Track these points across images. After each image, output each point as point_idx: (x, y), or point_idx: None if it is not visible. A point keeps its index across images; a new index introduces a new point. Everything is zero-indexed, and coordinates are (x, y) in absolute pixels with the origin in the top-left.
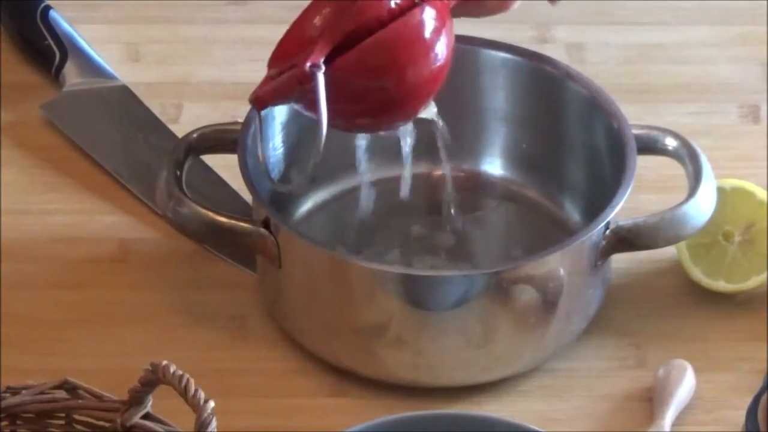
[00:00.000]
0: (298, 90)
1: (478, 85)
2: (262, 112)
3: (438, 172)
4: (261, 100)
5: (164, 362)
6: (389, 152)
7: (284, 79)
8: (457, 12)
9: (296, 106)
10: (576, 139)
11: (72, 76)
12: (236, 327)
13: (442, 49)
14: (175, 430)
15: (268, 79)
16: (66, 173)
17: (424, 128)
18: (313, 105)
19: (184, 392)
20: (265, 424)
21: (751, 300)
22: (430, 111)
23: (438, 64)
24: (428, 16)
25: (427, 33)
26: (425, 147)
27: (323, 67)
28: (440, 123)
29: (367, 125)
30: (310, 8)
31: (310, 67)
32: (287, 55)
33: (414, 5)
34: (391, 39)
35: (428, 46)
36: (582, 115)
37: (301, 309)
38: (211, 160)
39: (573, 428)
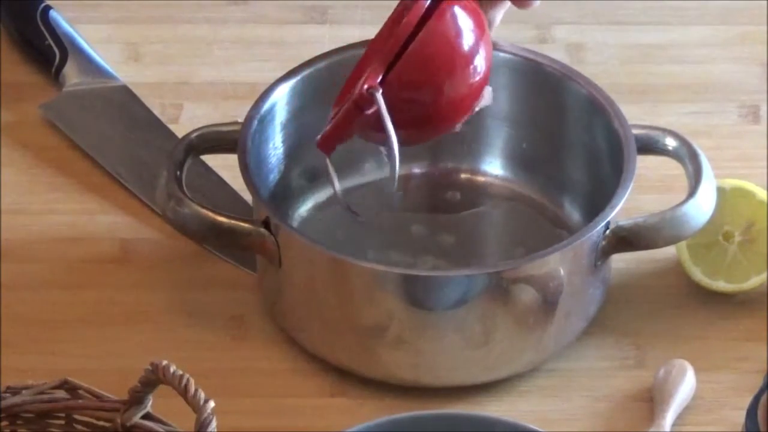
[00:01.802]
0: (359, 118)
1: None
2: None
3: (438, 173)
4: (326, 142)
5: (164, 362)
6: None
7: (344, 112)
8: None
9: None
10: (576, 139)
11: (72, 76)
12: (236, 327)
13: (480, 62)
14: (175, 430)
15: (329, 121)
16: (66, 173)
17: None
18: (375, 130)
19: (184, 392)
20: (265, 424)
21: (751, 300)
22: (487, 98)
23: (478, 77)
24: (464, 25)
25: (465, 46)
26: (425, 147)
27: (380, 88)
28: None
29: (412, 138)
30: (364, 57)
31: (368, 89)
32: (345, 97)
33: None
34: (424, 50)
35: (466, 59)
36: (582, 115)
37: (301, 309)
38: (211, 160)
39: (573, 428)
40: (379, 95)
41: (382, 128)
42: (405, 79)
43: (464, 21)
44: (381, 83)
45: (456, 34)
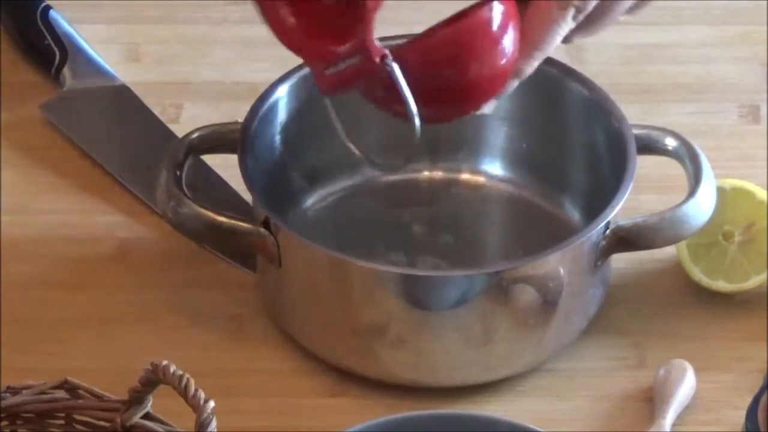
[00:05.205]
0: (369, 79)
1: None
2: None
3: (438, 173)
4: (330, 87)
5: (164, 362)
6: (391, 153)
7: (354, 68)
8: None
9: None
10: (576, 139)
11: (72, 76)
12: (236, 327)
13: (509, 46)
14: (175, 430)
15: (320, 70)
16: (66, 173)
17: (425, 128)
18: (390, 95)
19: (184, 392)
20: (265, 424)
21: (751, 300)
22: (490, 106)
23: (504, 61)
24: (497, 12)
25: (496, 29)
26: (425, 147)
27: (391, 56)
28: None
29: (428, 117)
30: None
31: (381, 58)
32: (320, 43)
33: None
34: (459, 35)
35: (495, 43)
36: (582, 115)
37: (301, 309)
38: (211, 160)
39: (573, 428)
40: (395, 65)
41: (395, 96)
42: (427, 59)
43: (502, 19)
44: (405, 51)
45: (492, 33)
